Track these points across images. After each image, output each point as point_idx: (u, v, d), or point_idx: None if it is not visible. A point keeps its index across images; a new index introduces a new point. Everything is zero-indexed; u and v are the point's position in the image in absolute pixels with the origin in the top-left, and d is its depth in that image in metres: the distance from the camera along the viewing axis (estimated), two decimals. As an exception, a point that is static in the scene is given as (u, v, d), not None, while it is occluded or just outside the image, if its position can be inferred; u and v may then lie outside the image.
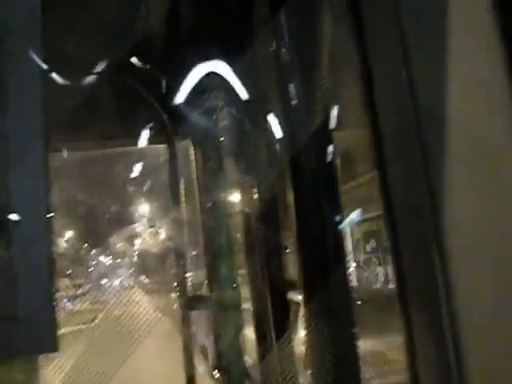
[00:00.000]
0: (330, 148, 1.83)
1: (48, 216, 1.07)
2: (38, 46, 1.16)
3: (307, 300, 1.70)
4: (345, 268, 1.67)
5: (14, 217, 1.03)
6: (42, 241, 1.05)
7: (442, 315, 1.00)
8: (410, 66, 1.07)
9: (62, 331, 1.04)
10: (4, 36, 1.13)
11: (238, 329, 2.45)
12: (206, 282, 2.67)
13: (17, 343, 0.98)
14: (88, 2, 2.28)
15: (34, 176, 1.08)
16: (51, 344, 1.00)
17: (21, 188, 1.06)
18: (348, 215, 1.77)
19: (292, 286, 1.94)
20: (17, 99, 1.11)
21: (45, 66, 1.17)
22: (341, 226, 1.71)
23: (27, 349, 1.00)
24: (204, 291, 2.77)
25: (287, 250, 2.03)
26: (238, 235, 2.55)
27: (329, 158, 1.82)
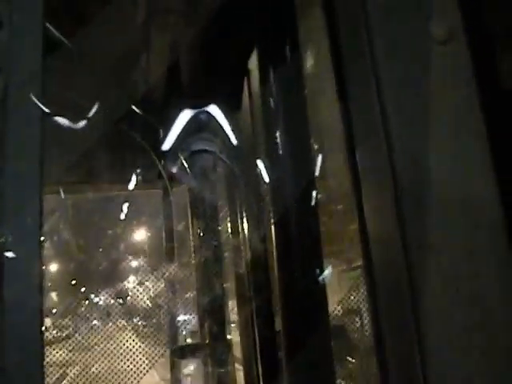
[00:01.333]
0: (315, 196, 1.87)
1: (40, 270, 1.08)
2: (38, 93, 1.19)
3: (289, 355, 1.71)
4: (327, 323, 1.69)
5: (6, 268, 1.05)
6: (33, 291, 1.06)
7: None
8: (388, 122, 1.11)
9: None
10: (5, 88, 1.17)
11: (227, 377, 2.44)
12: (198, 331, 2.66)
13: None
14: (88, 51, 2.35)
15: (28, 226, 1.10)
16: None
17: (14, 240, 1.08)
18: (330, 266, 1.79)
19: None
20: (15, 143, 1.14)
21: (45, 112, 1.21)
22: (324, 278, 1.73)
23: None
24: (196, 341, 2.75)
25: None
26: (230, 286, 2.55)
27: (313, 208, 1.86)
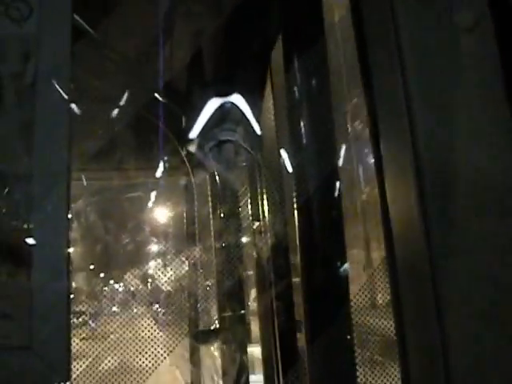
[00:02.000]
0: (338, 186, 1.87)
1: (67, 251, 1.11)
2: (67, 87, 1.21)
3: (310, 340, 1.72)
4: (348, 309, 1.69)
5: (35, 251, 1.08)
6: (61, 273, 1.09)
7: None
8: (414, 116, 1.11)
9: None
10: (35, 79, 1.19)
11: (246, 363, 2.46)
12: (217, 317, 2.69)
13: (31, 373, 1.02)
14: (115, 42, 2.37)
15: (56, 213, 1.12)
16: (64, 374, 1.04)
17: (43, 224, 1.11)
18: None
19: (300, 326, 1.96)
20: (43, 136, 1.16)
21: (72, 103, 1.23)
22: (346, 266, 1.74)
23: (41, 378, 1.03)
24: (215, 326, 2.78)
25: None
26: (250, 272, 2.57)
27: (336, 197, 1.86)
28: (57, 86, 1.19)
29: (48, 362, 1.02)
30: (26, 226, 1.12)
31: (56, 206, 1.12)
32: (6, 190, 1.15)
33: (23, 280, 1.07)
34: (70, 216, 1.15)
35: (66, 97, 1.20)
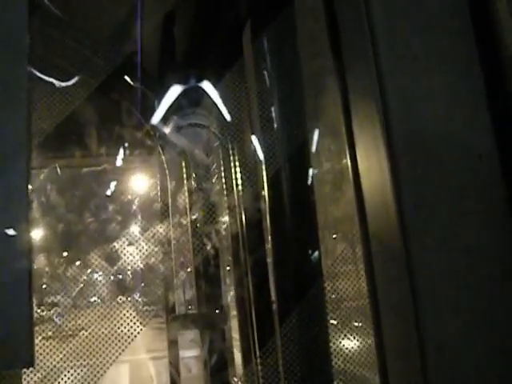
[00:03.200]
0: (308, 169, 1.87)
1: (27, 231, 1.07)
2: (24, 62, 1.17)
3: (283, 315, 1.72)
4: (321, 283, 1.69)
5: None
6: (21, 257, 1.05)
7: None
8: (385, 94, 1.09)
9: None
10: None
11: (224, 346, 2.45)
12: (194, 300, 2.67)
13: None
14: (80, 17, 2.31)
15: (15, 192, 1.08)
16: (28, 359, 1.00)
17: (1, 203, 1.06)
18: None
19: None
20: (1, 113, 1.12)
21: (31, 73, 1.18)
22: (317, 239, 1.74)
23: (3, 364, 0.99)
24: (192, 310, 2.76)
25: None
26: (226, 251, 2.56)
27: (306, 179, 1.86)
28: (13, 60, 1.15)
29: (11, 346, 0.99)
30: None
31: (14, 186, 1.08)
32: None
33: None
34: (30, 197, 1.11)
35: (23, 71, 1.15)
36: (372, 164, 1.22)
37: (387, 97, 1.10)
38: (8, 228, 1.05)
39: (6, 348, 0.98)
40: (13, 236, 1.04)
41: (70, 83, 2.12)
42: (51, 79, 1.96)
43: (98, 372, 1.66)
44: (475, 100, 1.10)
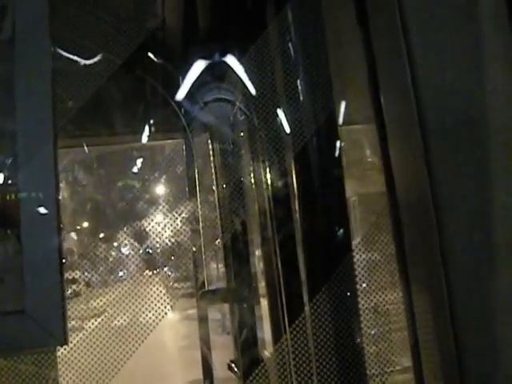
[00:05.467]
0: (336, 143, 1.85)
1: (57, 211, 1.08)
2: (47, 42, 1.16)
3: (312, 292, 1.72)
4: (350, 259, 1.68)
5: (23, 213, 1.05)
6: (52, 236, 1.06)
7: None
8: (414, 63, 1.06)
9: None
10: (13, 34, 1.14)
11: (254, 321, 2.47)
12: (224, 275, 2.69)
13: (26, 337, 1.00)
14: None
15: (44, 172, 1.09)
16: (61, 337, 1.02)
17: (31, 184, 1.07)
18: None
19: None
20: (27, 96, 1.12)
21: (55, 62, 1.18)
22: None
23: (36, 342, 1.01)
24: (221, 285, 2.78)
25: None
26: (254, 228, 2.56)
27: (334, 153, 1.84)
28: (36, 42, 1.14)
29: (44, 325, 1.00)
30: (14, 190, 1.09)
31: (43, 166, 1.09)
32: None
33: (14, 244, 1.05)
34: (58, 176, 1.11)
35: (46, 52, 1.15)
36: (401, 136, 1.20)
37: (417, 67, 1.07)
38: (39, 207, 1.06)
39: (39, 327, 0.99)
40: (43, 215, 1.05)
41: (92, 62, 2.11)
42: (74, 58, 1.96)
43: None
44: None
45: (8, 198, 1.09)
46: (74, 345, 1.36)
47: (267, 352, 2.43)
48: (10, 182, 1.10)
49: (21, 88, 1.12)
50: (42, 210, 1.06)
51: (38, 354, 1.18)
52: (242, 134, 2.65)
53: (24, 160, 1.08)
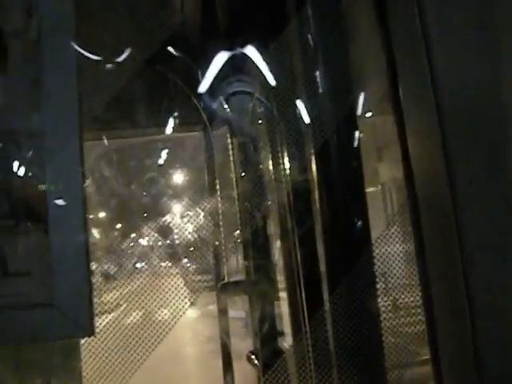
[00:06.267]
0: (356, 134, 1.85)
1: (83, 205, 1.10)
2: (72, 41, 1.19)
3: (332, 284, 1.73)
4: (370, 251, 1.69)
5: (51, 207, 1.07)
6: (79, 228, 1.08)
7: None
8: (433, 58, 1.06)
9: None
10: (40, 30, 1.17)
11: (273, 313, 2.49)
12: (243, 267, 2.71)
13: (54, 329, 1.03)
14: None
15: (70, 166, 1.11)
16: (88, 329, 1.04)
17: (57, 179, 1.10)
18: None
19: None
20: (53, 94, 1.15)
21: (79, 52, 1.20)
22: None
23: (64, 333, 1.04)
24: (241, 277, 2.80)
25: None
26: (273, 222, 2.57)
27: (354, 145, 1.85)
28: (62, 40, 1.17)
29: (71, 317, 1.03)
30: (41, 184, 1.11)
31: (70, 161, 1.11)
32: (19, 147, 1.14)
33: (41, 237, 1.08)
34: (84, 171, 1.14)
35: (72, 50, 1.17)
36: (420, 128, 1.20)
37: (435, 59, 1.08)
38: (65, 201, 1.08)
39: (67, 318, 1.02)
40: (70, 207, 1.07)
41: (113, 59, 2.14)
42: (96, 56, 1.98)
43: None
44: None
45: (35, 191, 1.11)
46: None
47: (286, 344, 2.45)
48: (37, 175, 1.13)
49: (47, 85, 1.15)
50: (69, 202, 1.09)
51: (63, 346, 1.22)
52: (261, 126, 2.66)
53: (51, 155, 1.11)
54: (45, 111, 1.14)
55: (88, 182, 1.25)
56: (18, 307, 1.03)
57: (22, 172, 1.14)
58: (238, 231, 2.73)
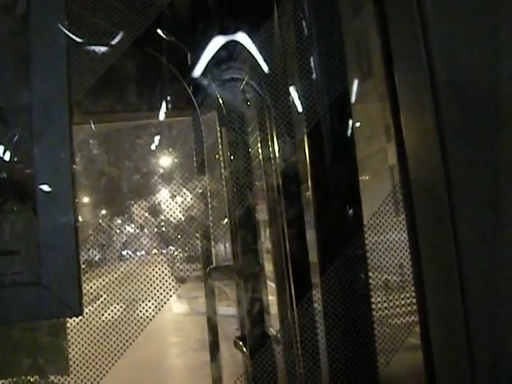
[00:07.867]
0: (349, 121, 1.84)
1: (72, 185, 1.09)
2: (62, 18, 1.16)
3: (321, 268, 1.73)
4: (361, 236, 1.69)
5: (39, 186, 1.06)
6: (67, 209, 1.07)
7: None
8: (429, 40, 1.06)
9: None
10: (28, 9, 1.14)
11: (261, 298, 2.49)
12: (230, 252, 2.71)
13: (42, 308, 1.01)
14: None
15: (59, 147, 1.09)
16: (76, 308, 1.03)
17: (46, 158, 1.08)
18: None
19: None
20: (41, 71, 1.12)
21: (69, 38, 1.18)
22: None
23: (52, 313, 1.02)
24: (228, 262, 2.80)
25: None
26: (261, 205, 2.57)
27: (347, 131, 1.84)
28: (51, 17, 1.14)
29: (59, 296, 1.02)
30: (29, 162, 1.10)
31: (58, 140, 1.09)
32: (6, 125, 1.12)
33: (30, 216, 1.06)
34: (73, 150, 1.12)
35: (61, 27, 1.15)
36: (415, 113, 1.20)
37: (431, 44, 1.07)
38: (53, 180, 1.07)
39: (55, 298, 1.01)
40: (58, 187, 1.06)
41: (104, 39, 2.11)
42: (86, 36, 1.95)
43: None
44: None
45: (23, 170, 1.10)
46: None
47: (273, 329, 2.46)
48: (25, 155, 1.11)
49: (36, 62, 1.13)
50: (58, 181, 1.07)
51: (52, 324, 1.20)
52: (251, 111, 2.64)
53: (40, 134, 1.09)
54: (33, 88, 1.11)
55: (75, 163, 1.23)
56: (6, 286, 1.01)
57: (9, 150, 1.12)
58: (226, 217, 2.73)
